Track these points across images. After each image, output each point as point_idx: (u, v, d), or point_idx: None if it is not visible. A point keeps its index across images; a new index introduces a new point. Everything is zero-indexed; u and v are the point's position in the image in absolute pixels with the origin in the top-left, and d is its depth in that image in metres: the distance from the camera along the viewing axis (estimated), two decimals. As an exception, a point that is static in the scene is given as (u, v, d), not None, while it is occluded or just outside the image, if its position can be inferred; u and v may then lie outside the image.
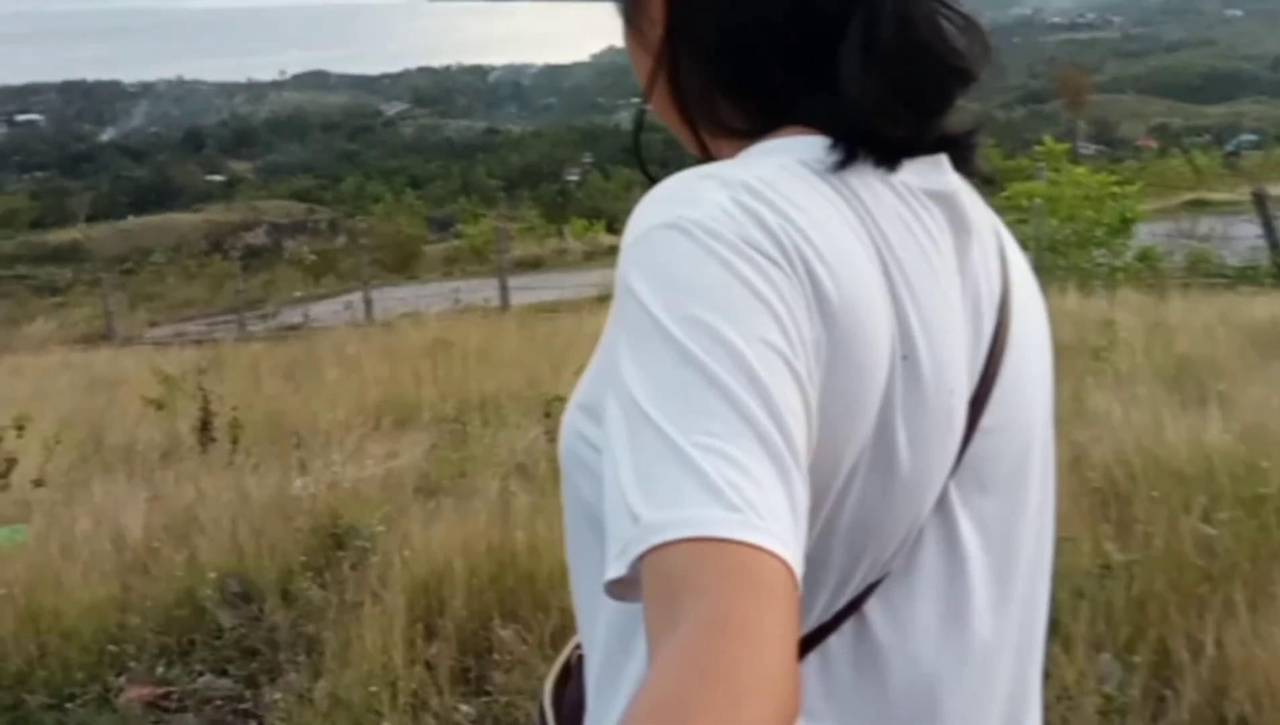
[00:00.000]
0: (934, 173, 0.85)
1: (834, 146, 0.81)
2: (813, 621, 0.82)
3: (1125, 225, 12.99)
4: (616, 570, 0.66)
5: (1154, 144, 55.78)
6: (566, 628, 3.76)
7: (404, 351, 10.18)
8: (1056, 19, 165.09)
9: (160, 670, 3.89)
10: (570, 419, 0.89)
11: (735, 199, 0.76)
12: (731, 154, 0.88)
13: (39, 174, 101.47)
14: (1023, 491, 0.91)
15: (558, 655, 1.07)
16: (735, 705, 0.57)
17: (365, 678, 3.47)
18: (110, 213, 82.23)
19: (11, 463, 5.70)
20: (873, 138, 0.82)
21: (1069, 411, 5.99)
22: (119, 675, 3.85)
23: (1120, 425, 5.38)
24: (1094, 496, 4.47)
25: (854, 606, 0.83)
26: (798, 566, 0.64)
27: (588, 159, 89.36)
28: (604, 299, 15.48)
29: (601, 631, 0.88)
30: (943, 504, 0.84)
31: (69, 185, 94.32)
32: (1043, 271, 12.80)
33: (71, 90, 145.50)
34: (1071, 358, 7.33)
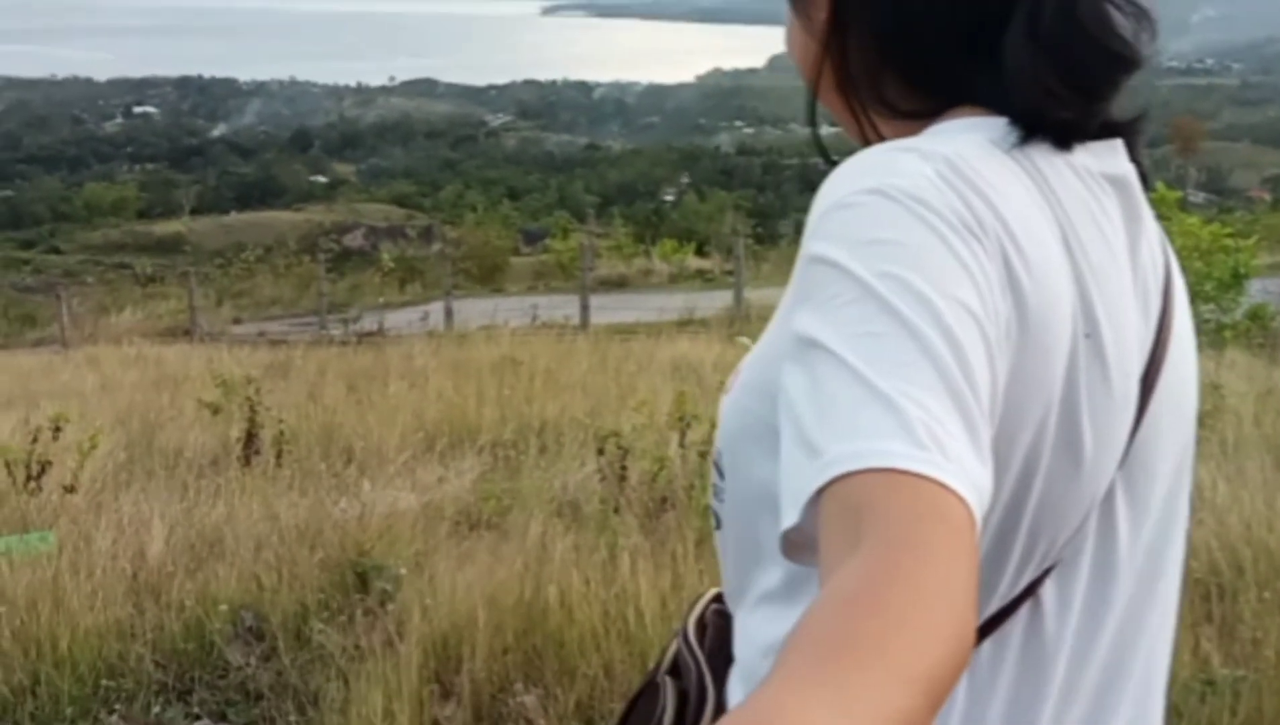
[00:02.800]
0: (1110, 156, 0.86)
1: (1011, 125, 0.82)
2: (994, 605, 0.83)
3: (1237, 280, 12.32)
4: (791, 516, 0.66)
5: (1267, 196, 54.02)
6: (593, 698, 3.41)
7: (472, 367, 9.92)
8: (1173, 63, 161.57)
9: (156, 710, 3.61)
10: (736, 401, 0.91)
11: (938, 171, 0.76)
12: (902, 136, 0.86)
13: (149, 165, 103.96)
14: (1178, 483, 0.92)
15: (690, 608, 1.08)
16: (921, 608, 0.58)
17: (363, 743, 3.15)
18: (215, 207, 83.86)
19: (45, 466, 5.49)
20: (1042, 120, 0.82)
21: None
22: (111, 712, 3.57)
23: (1226, 506, 4.88)
24: (1195, 589, 4.00)
25: (1031, 590, 0.84)
26: (979, 515, 0.64)
27: (685, 180, 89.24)
28: (684, 324, 15.15)
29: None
30: (1109, 489, 0.85)
31: (177, 178, 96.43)
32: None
33: (187, 85, 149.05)
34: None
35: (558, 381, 8.96)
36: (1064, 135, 0.83)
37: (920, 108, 0.88)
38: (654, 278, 23.10)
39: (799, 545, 0.66)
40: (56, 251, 70.03)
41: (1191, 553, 4.26)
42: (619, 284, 22.40)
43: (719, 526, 0.99)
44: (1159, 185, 14.33)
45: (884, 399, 0.66)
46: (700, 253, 27.66)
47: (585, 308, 17.06)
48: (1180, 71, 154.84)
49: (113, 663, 3.78)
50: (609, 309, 17.12)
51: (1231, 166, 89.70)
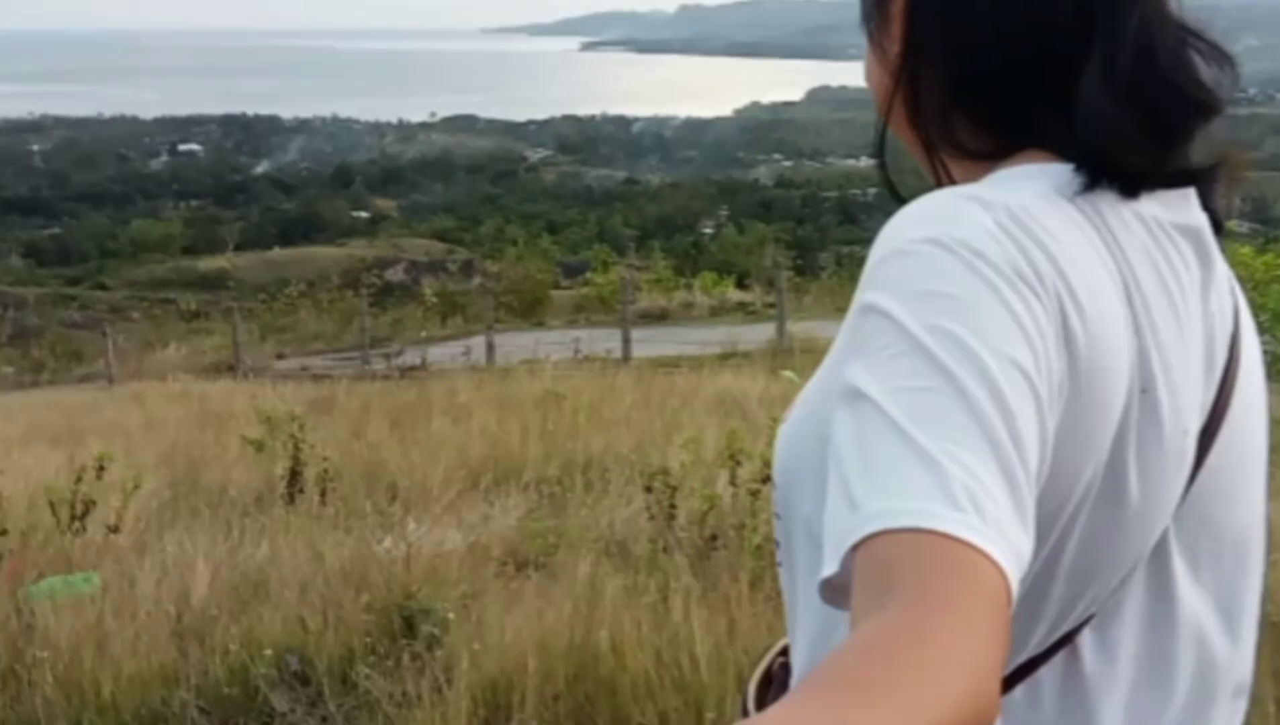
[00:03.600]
0: (1182, 206, 0.85)
1: (1077, 171, 0.81)
2: (1029, 652, 0.83)
3: (1293, 312, 12.07)
4: (831, 565, 0.66)
5: (1315, 225, 53.40)
6: (647, 748, 3.30)
7: (515, 402, 9.87)
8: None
9: (200, 757, 3.54)
10: (791, 433, 0.91)
11: (999, 222, 0.76)
12: (968, 176, 0.88)
13: (194, 202, 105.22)
14: (1249, 533, 0.90)
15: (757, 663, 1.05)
16: (936, 664, 0.57)
17: (412, 795, 3.06)
18: (258, 243, 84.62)
19: (89, 505, 5.45)
20: (1113, 166, 0.81)
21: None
22: (154, 760, 3.50)
23: (1297, 546, 4.72)
24: (1272, 635, 3.84)
25: (1068, 638, 0.84)
26: (1015, 581, 0.63)
27: (724, 212, 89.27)
28: (727, 357, 15.04)
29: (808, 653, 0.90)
30: (1160, 544, 0.84)
31: (221, 214, 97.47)
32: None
33: (232, 123, 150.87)
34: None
35: (601, 416, 8.88)
36: (1133, 183, 0.82)
37: (988, 148, 0.87)
38: (695, 311, 23.01)
39: (839, 591, 0.66)
40: (103, 287, 70.86)
41: (1268, 595, 4.12)
42: (660, 317, 22.32)
43: (781, 564, 0.98)
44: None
45: (925, 457, 0.66)
46: (741, 285, 27.53)
47: (627, 341, 16.99)
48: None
49: (156, 709, 3.72)
50: (651, 342, 17.05)
51: (1276, 196, 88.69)
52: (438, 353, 17.99)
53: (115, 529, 5.38)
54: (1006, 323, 0.71)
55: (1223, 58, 0.84)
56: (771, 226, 61.55)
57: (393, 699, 3.59)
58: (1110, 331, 0.77)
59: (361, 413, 10.08)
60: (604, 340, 16.97)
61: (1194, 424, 0.83)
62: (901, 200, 0.83)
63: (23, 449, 8.98)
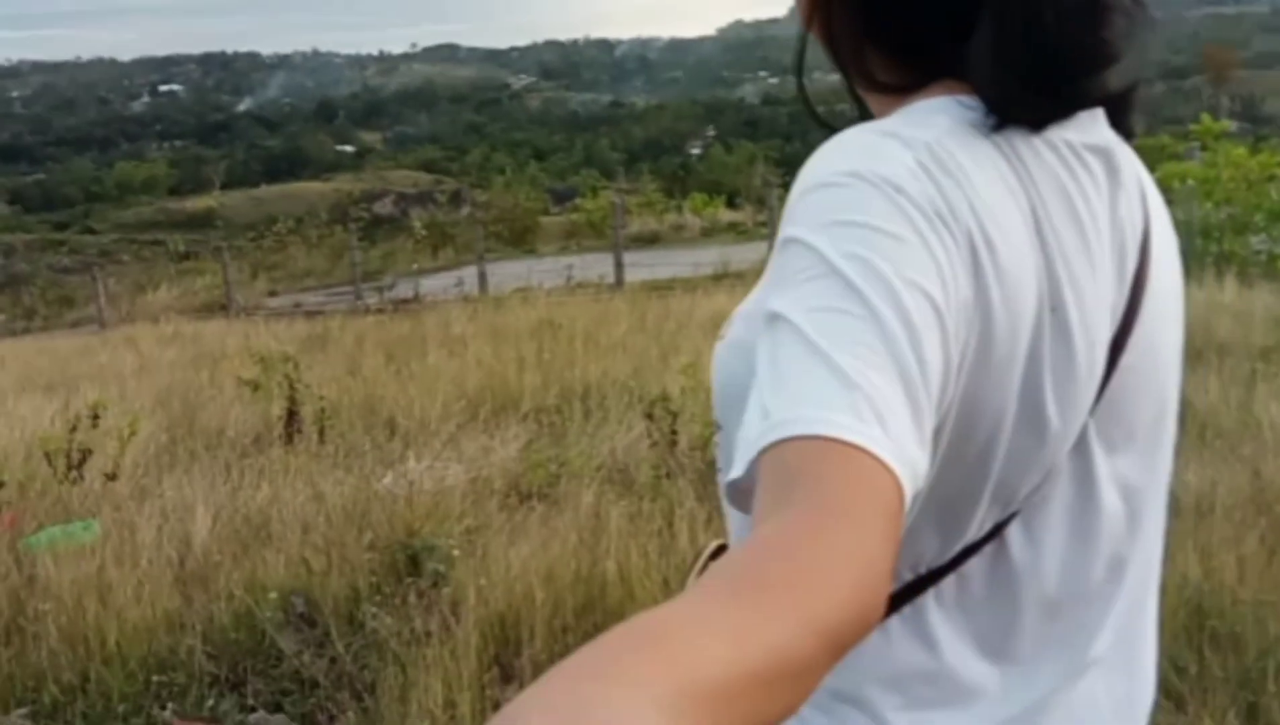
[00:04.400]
0: (1091, 126, 0.88)
1: (986, 112, 0.83)
2: (958, 545, 0.88)
3: (1288, 210, 11.97)
4: (739, 469, 0.68)
5: (1306, 122, 52.92)
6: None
7: (510, 332, 9.79)
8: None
9: (210, 702, 3.50)
10: (723, 358, 0.95)
11: (919, 160, 0.79)
12: (886, 109, 0.89)
13: (178, 142, 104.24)
14: (1160, 429, 0.95)
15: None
16: (835, 565, 0.60)
17: (425, 731, 3.03)
18: (244, 181, 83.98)
19: (86, 454, 5.39)
20: (1014, 109, 0.83)
21: (1235, 422, 5.31)
22: (164, 708, 3.47)
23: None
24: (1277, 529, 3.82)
25: (995, 531, 0.88)
26: (910, 493, 0.66)
27: (711, 132, 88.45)
28: (720, 277, 14.94)
29: None
30: (1080, 438, 0.88)
31: (206, 154, 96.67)
32: (1194, 258, 11.89)
33: (211, 61, 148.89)
34: (1236, 358, 6.60)
35: (598, 343, 8.81)
36: (1037, 122, 0.84)
37: (900, 81, 0.89)
38: (686, 232, 22.86)
39: (745, 494, 0.69)
40: (91, 232, 70.43)
41: (1277, 498, 4.09)
42: (651, 240, 22.17)
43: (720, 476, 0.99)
44: (1204, 116, 13.96)
45: (836, 372, 0.68)
46: (731, 205, 27.32)
47: (620, 266, 16.87)
48: (1210, 1, 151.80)
49: (163, 656, 3.68)
50: (643, 266, 16.94)
51: (1264, 94, 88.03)
52: (430, 284, 17.86)
53: (113, 476, 5.33)
54: (921, 256, 0.74)
55: (1135, 8, 0.85)
56: (759, 145, 61.00)
57: (401, 637, 3.56)
58: (1018, 261, 0.80)
59: (356, 348, 10.00)
60: (596, 266, 16.84)
61: (1105, 333, 0.87)
62: (822, 123, 0.90)
63: (16, 398, 8.90)
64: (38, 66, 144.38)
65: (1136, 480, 0.95)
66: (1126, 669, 0.99)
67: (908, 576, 0.89)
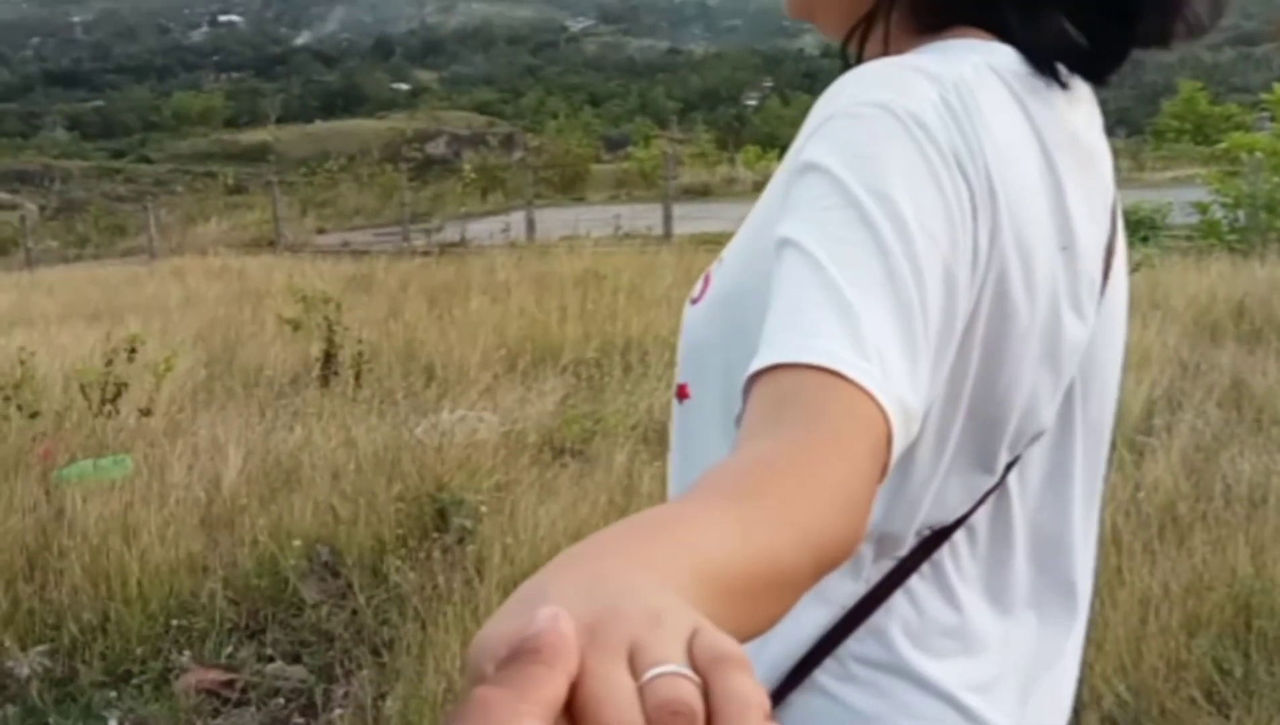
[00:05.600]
0: (1089, 126, 0.92)
1: (1016, 56, 0.86)
2: (980, 495, 0.90)
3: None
4: (759, 365, 0.68)
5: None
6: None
7: (554, 281, 9.70)
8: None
9: (229, 649, 3.47)
10: (706, 312, 0.94)
11: (944, 98, 0.79)
12: (901, 49, 0.89)
13: (235, 74, 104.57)
14: (1108, 410, 0.99)
15: None
16: (830, 487, 0.62)
17: (441, 695, 2.97)
18: (300, 116, 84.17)
19: (121, 388, 5.37)
20: (1044, 61, 0.87)
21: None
22: (182, 653, 3.44)
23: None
24: None
25: (1002, 478, 0.91)
26: (899, 437, 0.67)
27: (768, 84, 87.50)
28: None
29: None
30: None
31: (262, 86, 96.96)
32: (1258, 233, 11.59)
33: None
34: (1297, 342, 6.40)
35: (642, 296, 8.70)
36: (1063, 82, 0.88)
37: (939, 22, 0.90)
38: (738, 186, 22.58)
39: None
40: (147, 161, 70.95)
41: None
42: (702, 192, 21.93)
43: (677, 443, 1.00)
44: (1276, 86, 13.56)
45: (845, 306, 0.69)
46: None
47: (668, 218, 16.71)
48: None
49: (185, 599, 3.66)
50: (693, 218, 16.75)
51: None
52: (478, 228, 17.79)
53: (147, 412, 5.30)
54: (936, 199, 0.75)
55: None
56: (817, 98, 60.10)
57: (423, 593, 3.51)
58: (1030, 202, 0.83)
59: (399, 291, 9.95)
60: (645, 216, 16.68)
61: (1098, 276, 0.91)
62: (847, 60, 0.92)
63: (60, 326, 8.94)
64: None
65: (1096, 444, 0.99)
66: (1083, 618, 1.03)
67: (926, 533, 0.90)
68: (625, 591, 0.45)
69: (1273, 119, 13.49)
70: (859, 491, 0.64)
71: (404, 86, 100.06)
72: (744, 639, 0.51)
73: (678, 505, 0.59)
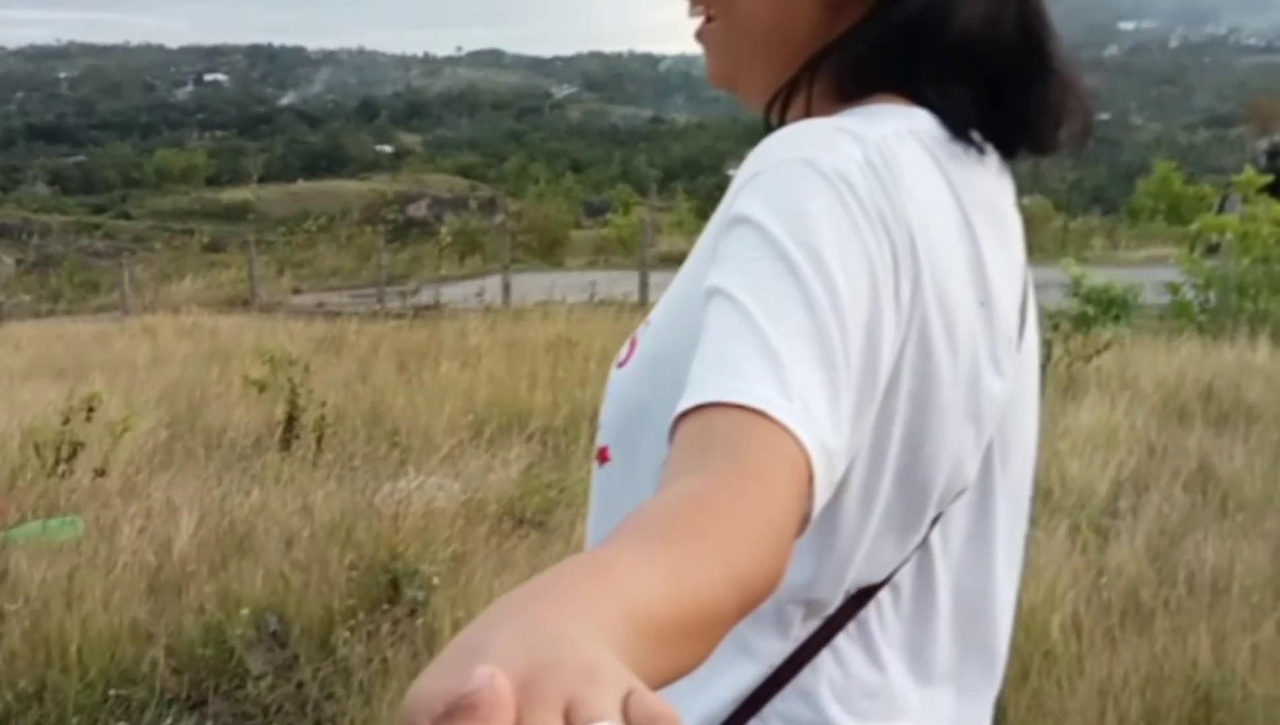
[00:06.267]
0: (1002, 190, 0.96)
1: (936, 123, 0.90)
2: (909, 551, 0.91)
3: (1327, 271, 11.71)
4: (685, 406, 0.70)
5: (1351, 180, 52.31)
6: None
7: (526, 347, 9.66)
8: (1252, 40, 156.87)
9: (169, 721, 3.37)
10: (634, 375, 0.95)
11: (868, 157, 0.82)
12: (823, 112, 0.91)
13: (219, 133, 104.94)
14: (1027, 475, 1.01)
15: None
16: (758, 524, 0.64)
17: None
18: (282, 175, 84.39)
19: (77, 447, 5.28)
20: (965, 131, 0.91)
21: (1260, 493, 5.12)
22: (120, 723, 3.34)
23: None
24: None
25: (926, 535, 0.92)
26: (821, 480, 0.69)
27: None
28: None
29: None
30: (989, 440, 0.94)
31: (246, 145, 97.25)
32: (1228, 315, 11.66)
33: (258, 53, 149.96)
34: (1265, 425, 6.40)
35: (613, 362, 8.65)
36: (978, 146, 0.92)
37: (862, 91, 0.93)
38: (716, 255, 22.64)
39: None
40: (127, 217, 70.89)
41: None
42: (680, 260, 21.55)
43: (597, 506, 1.00)
44: (1247, 168, 13.72)
45: (771, 352, 0.71)
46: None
47: (645, 285, 16.73)
48: (1259, 50, 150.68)
49: (126, 667, 3.56)
50: (669, 286, 16.76)
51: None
52: (454, 292, 17.76)
53: (102, 473, 5.21)
54: (860, 253, 0.77)
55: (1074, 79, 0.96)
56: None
57: (369, 666, 3.42)
58: (950, 259, 0.85)
59: (370, 353, 9.89)
60: (621, 283, 16.70)
61: (1014, 335, 0.93)
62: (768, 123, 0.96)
63: (24, 382, 8.84)
64: (86, 49, 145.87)
65: (1016, 505, 1.00)
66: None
67: (852, 591, 0.90)
68: (561, 643, 0.46)
69: (1243, 200, 13.64)
70: (784, 528, 0.65)
71: (387, 148, 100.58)
72: (672, 680, 0.56)
73: (609, 549, 0.59)
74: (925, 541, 0.92)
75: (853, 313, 0.75)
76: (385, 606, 3.75)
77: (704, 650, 0.59)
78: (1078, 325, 9.06)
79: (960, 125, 0.91)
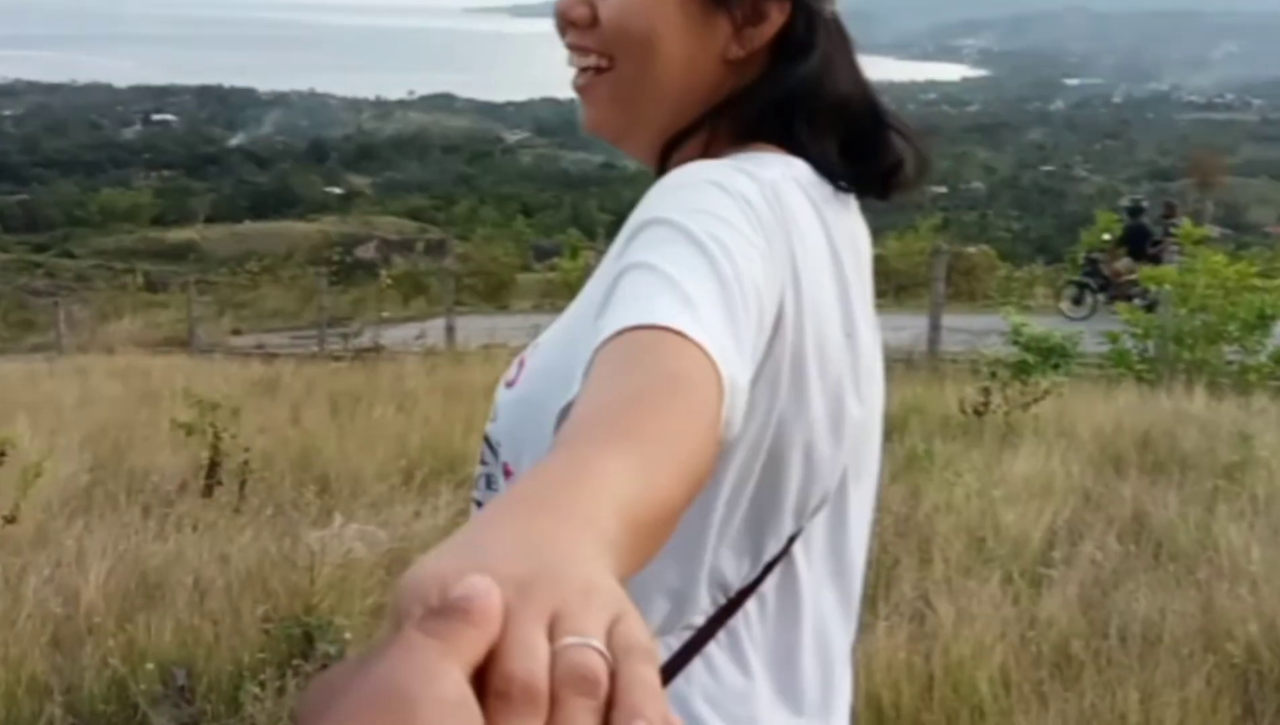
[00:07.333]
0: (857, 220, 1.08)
1: (812, 171, 1.02)
2: (762, 565, 0.98)
3: (1263, 321, 11.82)
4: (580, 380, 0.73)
5: (1287, 232, 53.36)
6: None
7: (465, 390, 9.53)
8: (1193, 97, 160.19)
9: (64, 783, 3.22)
10: (528, 390, 1.01)
11: (761, 192, 0.92)
12: (714, 155, 1.02)
13: (166, 173, 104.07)
14: (874, 478, 1.09)
15: None
16: (692, 420, 0.67)
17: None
18: (229, 216, 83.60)
19: (-14, 492, 5.10)
20: (834, 179, 1.04)
21: (1192, 543, 5.09)
22: (11, 786, 3.18)
23: (1263, 574, 4.47)
24: (1230, 675, 3.59)
25: (787, 547, 0.99)
26: (728, 403, 0.72)
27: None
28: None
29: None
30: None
31: (193, 186, 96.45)
32: (1165, 364, 11.76)
33: (207, 94, 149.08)
34: (1199, 473, 6.40)
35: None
36: (846, 190, 1.04)
37: (743, 143, 1.03)
38: (663, 300, 22.63)
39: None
40: (70, 255, 69.88)
41: (1226, 634, 3.86)
42: (626, 305, 21.91)
43: None
44: (1185, 221, 13.91)
45: (684, 296, 0.75)
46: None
47: (590, 329, 16.66)
48: (1200, 106, 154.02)
49: (23, 723, 3.40)
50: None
51: (1249, 202, 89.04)
52: (397, 334, 17.59)
53: (12, 520, 5.03)
54: (754, 253, 0.84)
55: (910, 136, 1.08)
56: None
57: (279, 724, 3.29)
58: (823, 288, 0.95)
59: (305, 396, 9.73)
60: (567, 327, 16.59)
61: (872, 368, 1.01)
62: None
63: (-55, 424, 8.58)
64: (33, 86, 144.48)
65: (863, 529, 1.06)
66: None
67: (721, 600, 0.96)
68: (564, 557, 0.48)
69: (1181, 252, 13.80)
70: (713, 427, 0.69)
71: (337, 190, 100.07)
72: (637, 572, 0.58)
73: (581, 452, 0.61)
74: (788, 553, 0.98)
75: (754, 296, 0.81)
76: (297, 661, 3.62)
77: (659, 546, 0.62)
78: (1016, 373, 9.07)
79: (832, 173, 1.02)
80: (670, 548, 0.73)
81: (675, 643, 0.95)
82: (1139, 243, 17.65)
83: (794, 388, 0.92)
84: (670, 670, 0.94)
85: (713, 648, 0.96)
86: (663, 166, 1.05)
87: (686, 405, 0.68)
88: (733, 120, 1.04)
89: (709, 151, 1.03)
